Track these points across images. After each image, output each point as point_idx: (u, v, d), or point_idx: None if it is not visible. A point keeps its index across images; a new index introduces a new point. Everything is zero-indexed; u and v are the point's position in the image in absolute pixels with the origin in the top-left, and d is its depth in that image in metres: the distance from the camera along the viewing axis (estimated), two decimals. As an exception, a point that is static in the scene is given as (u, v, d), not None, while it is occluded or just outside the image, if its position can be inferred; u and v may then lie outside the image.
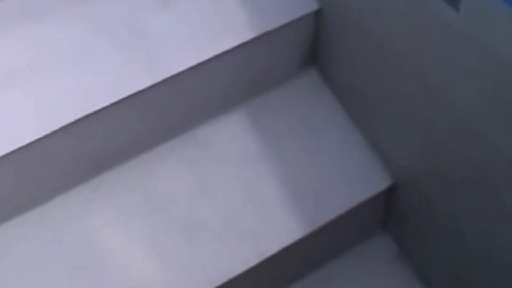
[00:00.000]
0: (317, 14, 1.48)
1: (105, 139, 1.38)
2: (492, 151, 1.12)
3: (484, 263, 1.31)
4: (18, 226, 1.35)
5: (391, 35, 1.27)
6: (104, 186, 1.38)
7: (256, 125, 1.51)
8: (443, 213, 1.36)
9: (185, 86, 1.41)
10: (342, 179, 1.45)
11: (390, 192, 1.48)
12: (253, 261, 1.35)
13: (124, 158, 1.41)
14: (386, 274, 1.57)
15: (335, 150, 1.49)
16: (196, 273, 1.33)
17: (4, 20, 1.39)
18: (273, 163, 1.46)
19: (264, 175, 1.44)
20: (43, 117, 1.29)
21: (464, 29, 1.04)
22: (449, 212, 1.33)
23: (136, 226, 1.37)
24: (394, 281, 1.55)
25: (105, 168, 1.40)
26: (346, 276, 1.55)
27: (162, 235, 1.37)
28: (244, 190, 1.42)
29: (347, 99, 1.53)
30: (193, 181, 1.43)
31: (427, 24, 1.14)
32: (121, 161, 1.41)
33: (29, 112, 1.29)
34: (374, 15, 1.31)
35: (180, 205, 1.40)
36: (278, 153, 1.47)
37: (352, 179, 1.46)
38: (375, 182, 1.46)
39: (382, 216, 1.57)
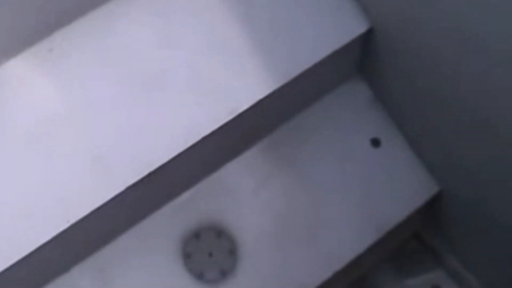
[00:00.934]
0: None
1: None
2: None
3: (453, 109, 1.28)
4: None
5: None
6: (60, 45, 1.27)
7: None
8: (420, 58, 1.29)
9: None
10: (317, 26, 1.34)
11: (366, 37, 1.40)
12: (224, 118, 1.30)
13: (80, 13, 1.29)
14: (362, 119, 1.53)
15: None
16: (164, 134, 1.27)
17: None
18: (241, 9, 1.36)
19: (232, 25, 1.34)
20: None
21: None
22: (426, 57, 1.27)
23: (95, 85, 1.28)
24: (370, 127, 1.52)
25: (60, 25, 1.29)
26: (320, 124, 1.50)
27: (124, 93, 1.29)
28: (210, 42, 1.32)
29: None
30: (154, 33, 1.32)
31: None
32: (77, 16, 1.29)
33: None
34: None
35: (141, 60, 1.31)
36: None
37: (327, 25, 1.35)
38: (351, 27, 1.36)
39: (357, 62, 1.50)
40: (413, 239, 1.78)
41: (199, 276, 1.40)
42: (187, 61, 1.31)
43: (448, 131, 1.38)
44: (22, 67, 1.26)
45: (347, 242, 1.45)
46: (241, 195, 1.46)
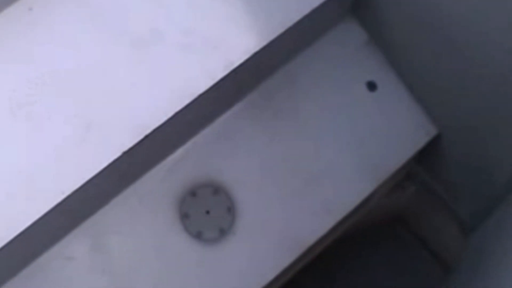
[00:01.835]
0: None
1: None
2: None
3: (453, 47, 1.23)
4: None
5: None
6: (40, 3, 1.16)
7: None
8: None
9: None
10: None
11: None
12: (220, 73, 1.22)
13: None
14: (356, 62, 1.46)
15: None
16: (159, 94, 1.18)
17: None
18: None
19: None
20: None
21: None
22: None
23: (81, 45, 1.18)
24: (365, 70, 1.46)
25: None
26: (313, 70, 1.44)
27: (114, 52, 1.19)
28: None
29: None
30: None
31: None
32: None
33: None
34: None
35: (131, 18, 1.21)
36: None
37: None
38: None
39: (350, 1, 1.43)
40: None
41: (198, 235, 1.35)
42: (179, 17, 1.22)
43: (447, 71, 1.34)
44: (0, 29, 1.16)
45: (346, 191, 1.42)
46: (237, 148, 1.40)
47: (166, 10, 1.21)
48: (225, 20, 1.24)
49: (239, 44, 1.23)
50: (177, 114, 1.20)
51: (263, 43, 1.24)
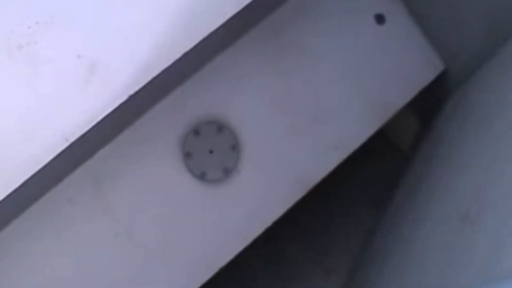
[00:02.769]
0: None
1: None
2: None
3: None
4: None
5: None
6: None
7: None
8: None
9: None
10: None
11: None
12: (231, 11, 1.14)
13: None
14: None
15: None
16: (168, 33, 1.10)
17: None
18: None
19: None
20: None
21: None
22: None
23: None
24: (374, 2, 1.38)
25: None
26: (321, 2, 1.36)
27: None
28: None
29: None
30: None
31: None
32: None
33: None
34: None
35: None
36: None
37: None
38: None
39: None
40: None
41: (201, 176, 1.31)
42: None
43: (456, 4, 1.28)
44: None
45: (353, 129, 1.38)
46: (242, 84, 1.33)
47: None
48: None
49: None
50: (184, 54, 1.13)
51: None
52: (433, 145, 1.40)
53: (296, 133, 1.35)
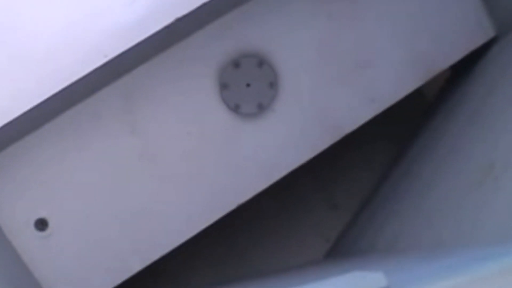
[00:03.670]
0: None
1: None
2: None
3: None
4: None
5: None
6: None
7: None
8: None
9: None
10: None
11: None
12: None
13: None
14: None
15: None
16: None
17: None
18: None
19: None
20: None
21: None
22: None
23: None
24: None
25: None
26: None
27: None
28: None
29: None
30: None
31: None
32: None
33: None
34: None
35: None
36: None
37: None
38: None
39: None
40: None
41: (235, 108, 1.27)
42: None
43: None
44: None
45: (393, 83, 1.33)
46: (289, 22, 1.28)
47: None
48: None
49: None
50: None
51: None
52: (462, 96, 1.36)
53: (336, 80, 1.31)
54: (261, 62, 1.28)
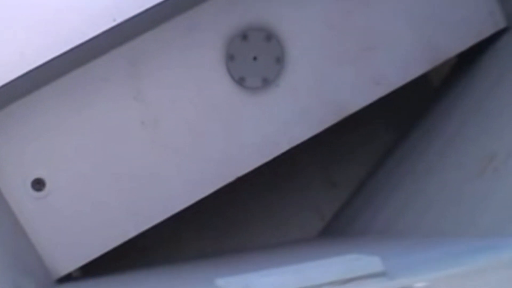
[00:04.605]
0: None
1: None
2: None
3: None
4: None
5: None
6: None
7: None
8: None
9: None
10: None
11: None
12: None
13: None
14: None
15: None
16: None
17: None
18: None
19: None
20: None
21: None
22: None
23: None
24: None
25: None
26: None
27: None
28: None
29: None
30: None
31: None
32: None
33: None
34: None
35: None
36: None
37: None
38: None
39: None
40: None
41: (240, 81, 1.26)
42: None
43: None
44: None
45: (399, 67, 1.32)
46: (300, -3, 1.27)
47: None
48: None
49: None
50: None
51: None
52: (468, 85, 1.35)
53: (343, 60, 1.30)
54: (270, 36, 1.27)
